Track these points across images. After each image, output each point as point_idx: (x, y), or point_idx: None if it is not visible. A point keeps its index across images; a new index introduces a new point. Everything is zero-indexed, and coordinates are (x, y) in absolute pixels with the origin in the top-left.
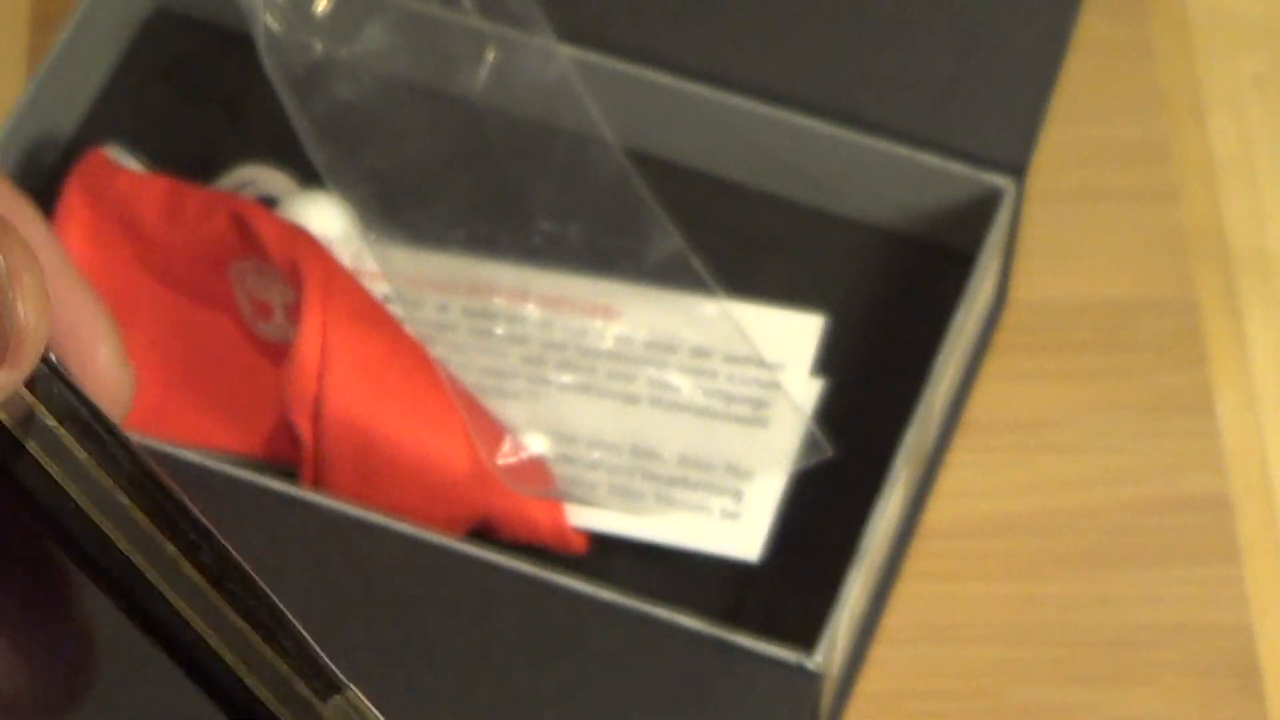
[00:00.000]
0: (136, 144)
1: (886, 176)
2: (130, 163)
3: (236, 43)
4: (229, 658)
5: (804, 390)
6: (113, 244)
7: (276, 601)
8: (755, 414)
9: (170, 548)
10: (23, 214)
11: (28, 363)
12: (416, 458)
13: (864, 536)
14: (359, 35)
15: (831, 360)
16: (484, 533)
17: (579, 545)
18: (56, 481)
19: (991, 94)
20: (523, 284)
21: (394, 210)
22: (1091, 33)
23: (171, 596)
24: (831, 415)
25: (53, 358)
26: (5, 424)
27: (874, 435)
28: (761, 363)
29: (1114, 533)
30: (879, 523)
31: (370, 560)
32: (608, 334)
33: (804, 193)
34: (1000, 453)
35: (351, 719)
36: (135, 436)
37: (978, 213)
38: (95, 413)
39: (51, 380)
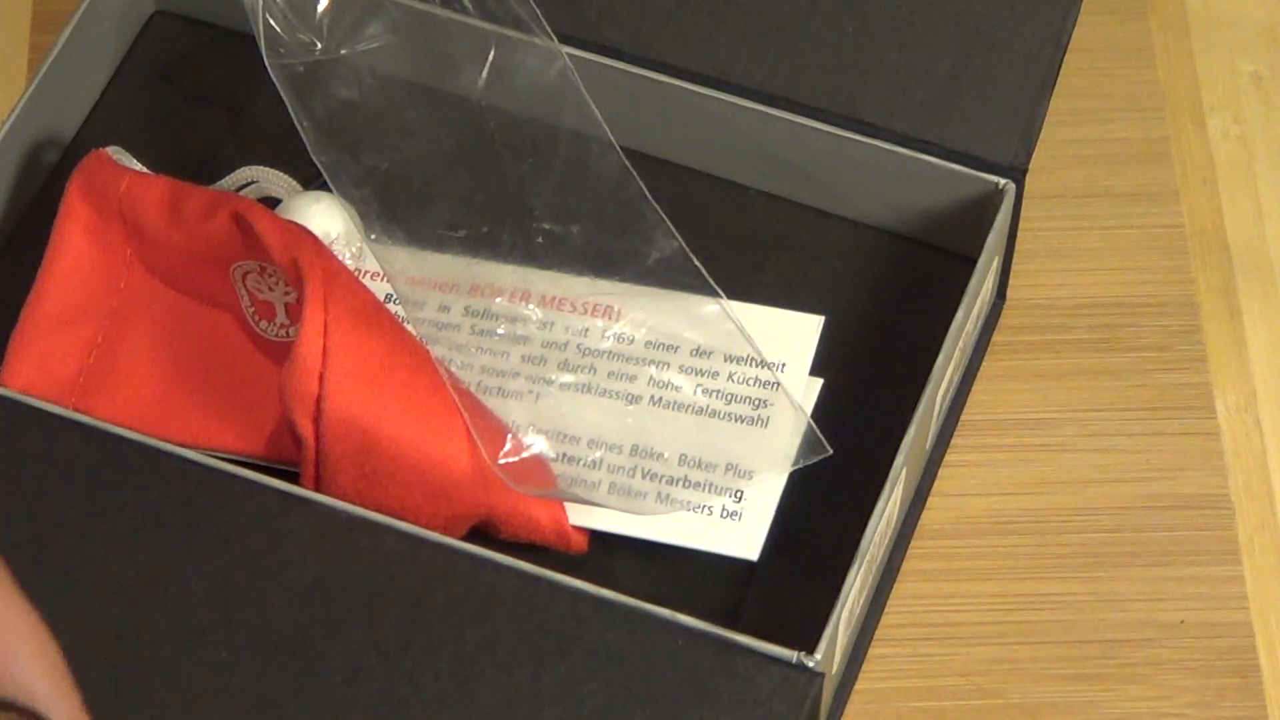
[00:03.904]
0: (138, 144)
1: (886, 176)
2: (132, 163)
3: (237, 43)
4: None
5: (804, 390)
6: (114, 244)
7: None
8: (755, 414)
9: None
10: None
11: None
12: (418, 457)
13: (864, 536)
14: (359, 35)
15: (831, 360)
16: (485, 531)
17: (580, 544)
18: None
19: (991, 94)
20: (524, 284)
21: (395, 210)
22: (1091, 33)
23: None
24: (831, 415)
25: None
26: None
27: (874, 435)
28: (761, 362)
29: (1114, 533)
30: (878, 523)
31: (370, 560)
32: (608, 334)
33: (804, 193)
34: (1000, 453)
35: None
36: (137, 435)
37: (978, 213)
38: None
39: None
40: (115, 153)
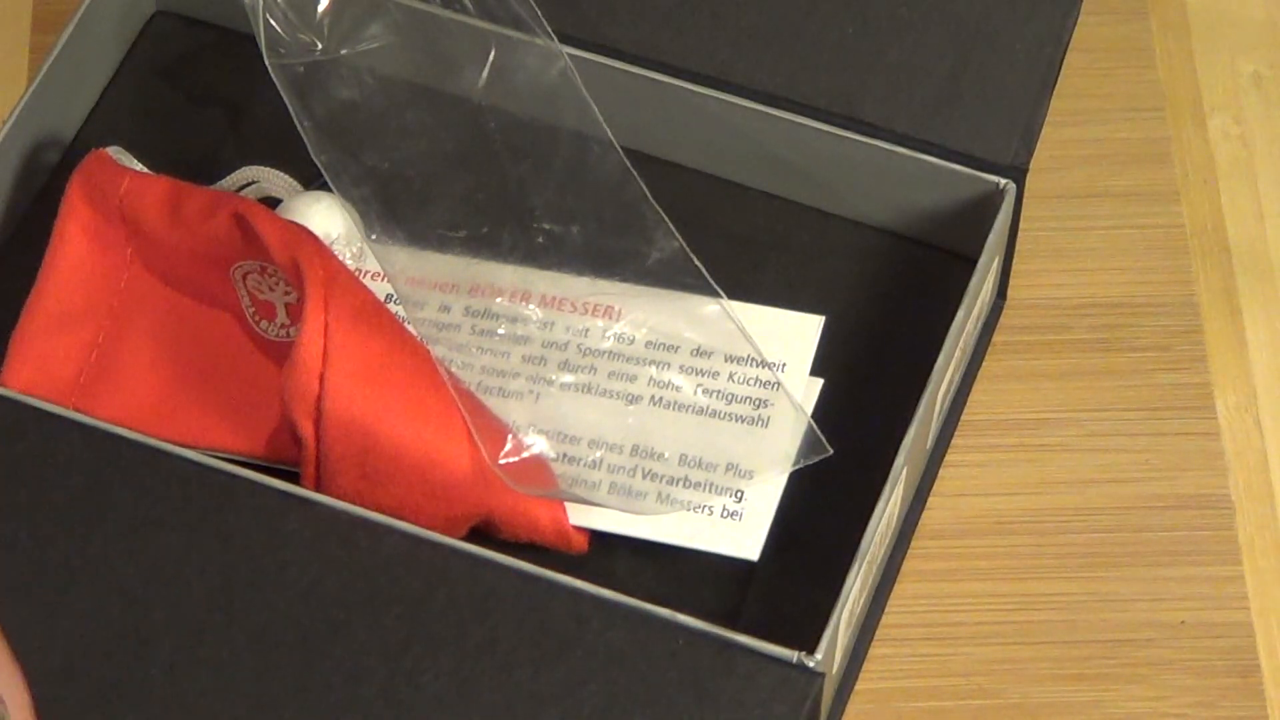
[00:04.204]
0: (138, 144)
1: (886, 176)
2: (132, 163)
3: (237, 43)
4: None
5: (804, 390)
6: (115, 244)
7: None
8: (756, 414)
9: None
10: None
11: None
12: (418, 457)
13: (864, 536)
14: (359, 35)
15: (831, 360)
16: (485, 531)
17: (580, 544)
18: None
19: (991, 94)
20: (524, 284)
21: (395, 210)
22: (1091, 33)
23: None
24: (831, 415)
25: None
26: None
27: (874, 435)
28: (762, 363)
29: (1114, 533)
30: (879, 522)
31: (370, 560)
32: (609, 334)
33: (804, 193)
34: (1000, 453)
35: None
36: (137, 435)
37: (978, 213)
38: None
39: None
40: (115, 153)
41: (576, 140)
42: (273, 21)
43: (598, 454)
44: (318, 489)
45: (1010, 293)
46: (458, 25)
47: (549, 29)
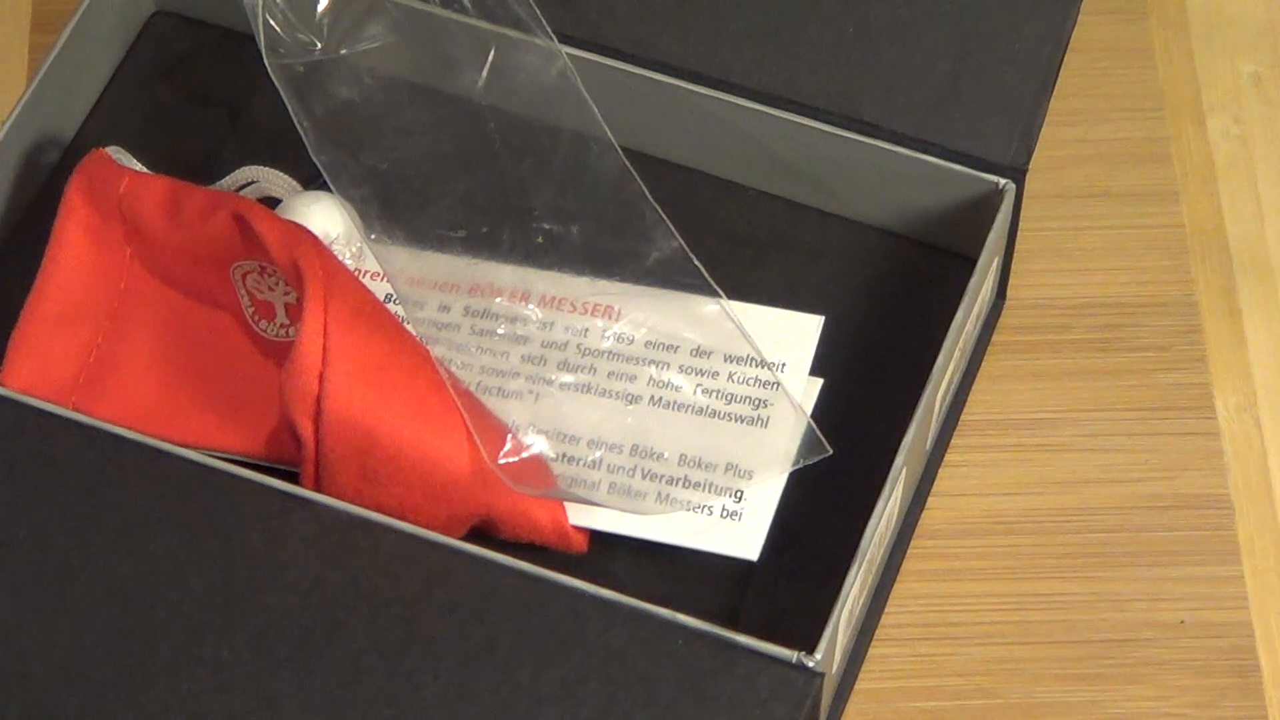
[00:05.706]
0: (137, 144)
1: (886, 176)
2: (132, 163)
3: (237, 43)
4: None
5: (804, 390)
6: (114, 244)
7: None
8: (755, 413)
9: None
10: None
11: None
12: (418, 457)
13: (863, 536)
14: (359, 35)
15: (831, 360)
16: (485, 531)
17: (580, 544)
18: None
19: (991, 94)
20: (524, 284)
21: (395, 210)
22: (1091, 33)
23: None
24: (831, 415)
25: None
26: None
27: (874, 435)
28: (761, 362)
29: (1114, 532)
30: (878, 522)
31: (370, 560)
32: (608, 334)
33: (804, 193)
34: (1000, 453)
35: None
36: (137, 435)
37: (978, 213)
38: None
39: None
40: (115, 153)
41: (576, 140)
42: (272, 21)
43: (597, 454)
44: (317, 489)
45: (1010, 293)
46: (457, 25)
47: (549, 29)
